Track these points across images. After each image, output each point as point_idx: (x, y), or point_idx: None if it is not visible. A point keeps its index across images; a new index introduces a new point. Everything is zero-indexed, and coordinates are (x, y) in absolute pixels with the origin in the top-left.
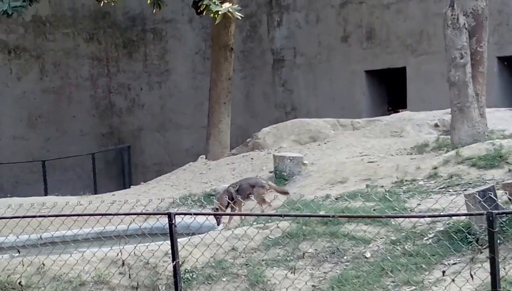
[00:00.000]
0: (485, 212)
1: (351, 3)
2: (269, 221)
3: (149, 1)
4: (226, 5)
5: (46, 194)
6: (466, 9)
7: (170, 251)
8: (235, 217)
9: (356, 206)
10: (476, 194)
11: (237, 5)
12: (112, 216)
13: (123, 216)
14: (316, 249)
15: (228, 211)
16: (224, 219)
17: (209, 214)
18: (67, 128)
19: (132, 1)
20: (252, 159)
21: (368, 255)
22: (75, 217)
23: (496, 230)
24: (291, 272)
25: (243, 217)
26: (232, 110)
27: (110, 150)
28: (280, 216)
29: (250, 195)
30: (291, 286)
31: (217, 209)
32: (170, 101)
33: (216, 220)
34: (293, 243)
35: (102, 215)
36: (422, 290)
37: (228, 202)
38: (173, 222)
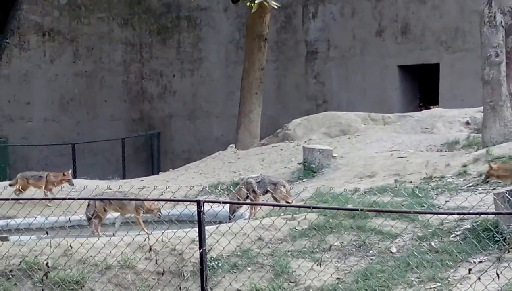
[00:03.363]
0: None
1: None
2: (297, 212)
3: None
4: None
5: (75, 177)
6: (504, 7)
7: (197, 238)
8: (262, 208)
9: (384, 200)
10: (506, 193)
11: None
12: (141, 202)
13: (152, 201)
14: (342, 242)
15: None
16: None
17: (238, 203)
18: (98, 112)
19: None
20: (281, 149)
21: (394, 250)
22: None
23: None
24: (317, 264)
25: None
26: (263, 100)
27: (140, 136)
28: (308, 207)
29: (269, 192)
30: (316, 278)
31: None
32: (202, 89)
33: (231, 212)
34: (319, 235)
35: (131, 200)
36: (447, 287)
37: (247, 195)
38: (202, 209)
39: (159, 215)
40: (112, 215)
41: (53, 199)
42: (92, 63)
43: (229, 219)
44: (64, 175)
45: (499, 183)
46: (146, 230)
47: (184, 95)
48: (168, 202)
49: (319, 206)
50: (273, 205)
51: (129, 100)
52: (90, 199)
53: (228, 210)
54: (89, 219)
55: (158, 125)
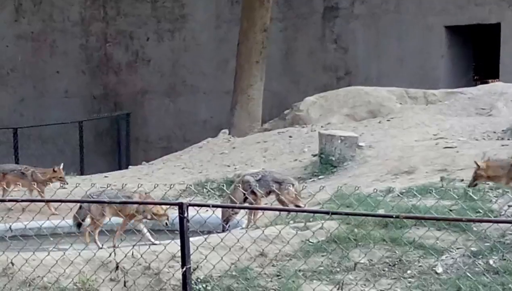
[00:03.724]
0: None
1: None
2: (311, 219)
3: None
4: None
5: None
6: None
7: (179, 254)
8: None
9: (427, 204)
10: None
11: None
12: (105, 204)
13: (120, 205)
14: (371, 260)
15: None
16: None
17: (233, 207)
18: (48, 87)
19: None
20: (290, 137)
21: (439, 270)
22: (56, 204)
23: None
24: (338, 288)
25: (277, 212)
26: (266, 72)
27: (104, 118)
28: (327, 213)
29: (273, 193)
30: None
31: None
32: (185, 56)
33: (224, 220)
34: (341, 250)
35: (92, 202)
36: None
37: (245, 196)
38: (185, 215)
39: (166, 222)
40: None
41: (39, 200)
42: (40, 22)
43: (222, 228)
44: (54, 171)
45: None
46: (153, 240)
47: (162, 65)
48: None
49: (341, 212)
50: (279, 210)
51: (88, 71)
52: (37, 201)
53: (219, 216)
54: (78, 225)
55: (128, 105)
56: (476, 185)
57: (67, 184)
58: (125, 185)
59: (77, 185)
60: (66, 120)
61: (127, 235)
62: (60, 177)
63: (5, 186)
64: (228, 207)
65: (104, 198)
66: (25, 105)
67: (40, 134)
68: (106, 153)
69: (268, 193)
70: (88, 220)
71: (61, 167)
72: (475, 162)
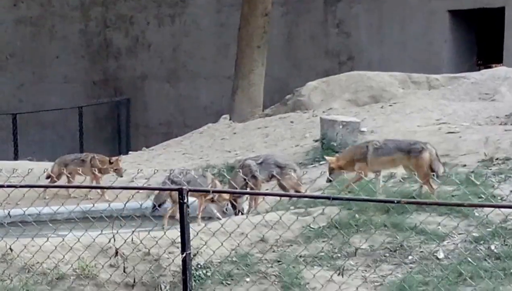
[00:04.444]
0: None
1: None
2: (312, 205)
3: None
4: None
5: (16, 158)
6: None
7: (178, 239)
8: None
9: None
10: None
11: None
12: (104, 190)
13: (119, 190)
14: (372, 245)
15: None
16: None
17: (231, 192)
18: (47, 72)
19: None
20: (291, 122)
21: (441, 255)
22: (56, 189)
23: None
24: (338, 274)
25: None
26: (268, 57)
27: (103, 104)
28: (328, 198)
29: (274, 178)
30: None
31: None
32: (186, 41)
33: (232, 206)
34: (342, 236)
35: (92, 187)
36: None
37: (246, 181)
38: (186, 200)
39: (226, 208)
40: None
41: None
42: (39, 6)
43: (223, 212)
44: (110, 162)
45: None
46: (199, 221)
47: (162, 50)
48: (141, 192)
49: (342, 197)
50: (280, 195)
51: (88, 57)
52: (37, 187)
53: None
54: (154, 207)
55: (127, 90)
56: (331, 181)
57: (121, 177)
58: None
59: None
60: (66, 106)
61: (126, 220)
62: (116, 169)
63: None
64: (228, 192)
65: (184, 182)
66: (24, 91)
67: (40, 120)
68: (106, 139)
69: (270, 178)
70: (168, 204)
71: (120, 158)
72: (325, 158)
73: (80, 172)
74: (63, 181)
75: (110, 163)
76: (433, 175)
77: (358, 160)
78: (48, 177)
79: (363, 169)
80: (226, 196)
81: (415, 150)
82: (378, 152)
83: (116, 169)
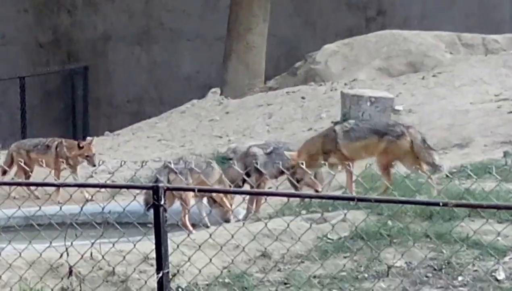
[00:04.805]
0: None
1: None
2: (330, 208)
3: None
4: None
5: None
6: None
7: (153, 254)
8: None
9: (486, 187)
10: None
11: None
12: (54, 188)
13: (74, 188)
14: (409, 262)
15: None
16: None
17: (223, 192)
18: None
19: None
20: (303, 98)
21: (501, 275)
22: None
23: None
24: None
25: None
26: (271, 11)
27: (53, 73)
28: (352, 199)
29: (283, 173)
30: None
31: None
32: None
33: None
34: (370, 250)
35: (38, 185)
36: None
37: (244, 179)
38: (162, 202)
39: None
40: None
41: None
42: None
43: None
44: (80, 147)
45: None
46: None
47: (131, 2)
48: (102, 190)
49: (370, 198)
50: (289, 195)
51: (33, 11)
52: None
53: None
54: (147, 207)
55: (85, 55)
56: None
57: (94, 166)
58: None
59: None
60: (2, 76)
61: (83, 229)
62: (88, 155)
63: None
64: (219, 192)
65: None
66: None
67: None
68: (56, 119)
69: (281, 173)
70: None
71: (93, 141)
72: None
73: (43, 162)
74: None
75: (80, 147)
76: (431, 169)
77: (328, 152)
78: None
79: (340, 160)
80: (233, 197)
81: (393, 133)
82: (350, 135)
83: (87, 156)
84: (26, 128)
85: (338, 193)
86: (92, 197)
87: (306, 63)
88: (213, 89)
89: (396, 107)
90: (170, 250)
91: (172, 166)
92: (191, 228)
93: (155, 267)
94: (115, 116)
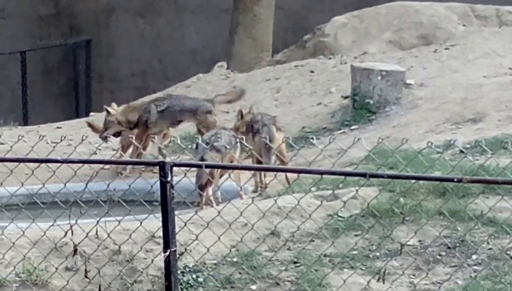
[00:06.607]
0: None
1: None
2: (341, 185)
3: None
4: None
5: None
6: None
7: (159, 233)
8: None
9: (501, 163)
10: None
11: None
12: (58, 165)
13: (79, 165)
14: (423, 240)
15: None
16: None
17: (231, 168)
18: None
19: None
20: (312, 72)
21: None
22: None
23: None
24: (378, 280)
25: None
26: None
27: (54, 47)
28: (363, 175)
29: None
30: None
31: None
32: None
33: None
34: (382, 228)
35: (41, 161)
36: None
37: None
38: (169, 178)
39: None
40: None
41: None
42: None
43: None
44: None
45: None
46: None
47: None
48: (107, 167)
49: (382, 174)
50: (299, 171)
51: None
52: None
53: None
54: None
55: (87, 28)
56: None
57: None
58: None
59: (20, 138)
60: (2, 51)
61: (88, 207)
62: None
63: None
64: (227, 168)
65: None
66: None
67: None
68: (58, 94)
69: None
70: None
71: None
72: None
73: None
74: None
75: None
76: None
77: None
78: None
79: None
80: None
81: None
82: (164, 114)
83: None
84: (28, 104)
85: (349, 169)
86: (97, 173)
87: (315, 36)
88: (219, 63)
89: (408, 81)
90: (177, 228)
91: (213, 143)
92: (215, 204)
93: (161, 245)
94: (119, 91)
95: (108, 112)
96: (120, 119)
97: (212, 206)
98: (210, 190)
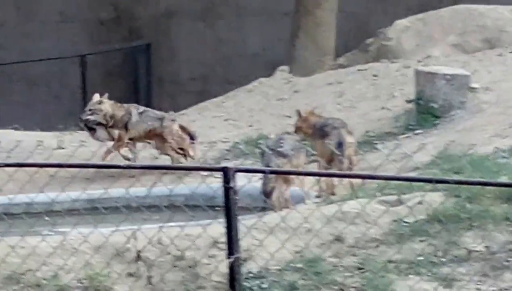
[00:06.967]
0: None
1: None
2: (407, 191)
3: None
4: None
5: None
6: None
7: (223, 239)
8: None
9: None
10: None
11: None
12: (119, 170)
13: (139, 170)
14: (489, 246)
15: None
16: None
17: (297, 173)
18: (36, 8)
19: None
20: (375, 76)
21: None
22: (54, 169)
23: None
24: (445, 286)
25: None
26: None
27: (115, 51)
28: (429, 181)
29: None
30: None
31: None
32: None
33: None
34: (448, 233)
35: (102, 167)
36: None
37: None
38: (232, 184)
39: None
40: None
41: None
42: None
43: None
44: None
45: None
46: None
47: None
48: (169, 173)
49: (448, 179)
50: (363, 177)
51: None
52: (28, 165)
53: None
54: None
55: (148, 32)
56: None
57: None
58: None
59: (82, 143)
60: (63, 55)
61: (150, 212)
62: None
63: None
64: (292, 173)
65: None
66: (6, 34)
67: (27, 74)
68: (118, 99)
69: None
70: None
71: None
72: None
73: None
74: None
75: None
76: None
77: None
78: None
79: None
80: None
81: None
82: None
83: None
84: None
85: (415, 174)
86: (159, 179)
87: (377, 40)
88: (281, 67)
89: (473, 85)
90: (241, 234)
91: (273, 145)
92: (291, 205)
93: (225, 251)
94: (179, 95)
95: None
96: None
97: (276, 211)
98: (275, 195)
